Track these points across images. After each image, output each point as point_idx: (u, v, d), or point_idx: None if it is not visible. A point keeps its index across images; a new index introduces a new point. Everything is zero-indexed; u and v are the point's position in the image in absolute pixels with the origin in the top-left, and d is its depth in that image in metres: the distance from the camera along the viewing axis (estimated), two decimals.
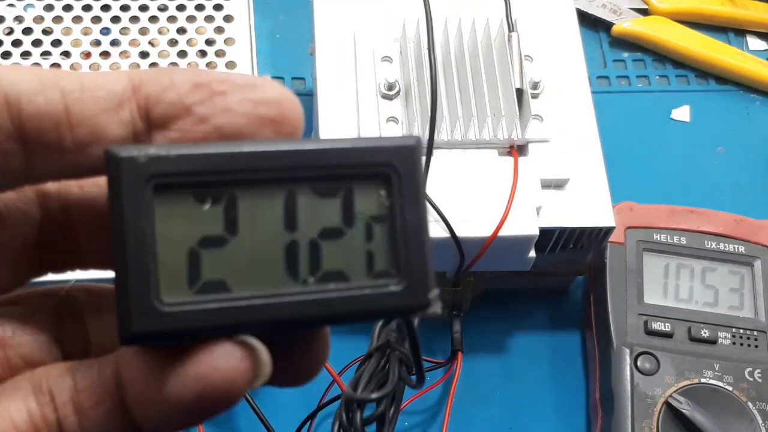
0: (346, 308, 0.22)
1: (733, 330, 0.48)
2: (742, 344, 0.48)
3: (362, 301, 0.21)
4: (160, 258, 0.20)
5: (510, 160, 0.46)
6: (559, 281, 0.53)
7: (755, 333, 0.48)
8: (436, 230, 0.44)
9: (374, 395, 0.31)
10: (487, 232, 0.44)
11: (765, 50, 0.66)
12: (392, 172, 0.22)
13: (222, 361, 0.20)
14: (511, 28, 0.49)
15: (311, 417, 0.46)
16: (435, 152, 0.46)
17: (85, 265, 0.25)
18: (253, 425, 0.45)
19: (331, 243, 0.21)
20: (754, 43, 0.67)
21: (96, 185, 0.24)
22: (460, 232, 0.44)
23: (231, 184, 0.21)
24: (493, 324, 0.52)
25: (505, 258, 0.46)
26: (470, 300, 0.49)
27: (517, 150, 0.47)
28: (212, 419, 0.21)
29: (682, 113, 0.62)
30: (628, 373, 0.46)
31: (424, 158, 0.20)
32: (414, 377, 0.35)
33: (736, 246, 0.51)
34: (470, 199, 0.45)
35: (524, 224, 0.45)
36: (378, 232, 0.22)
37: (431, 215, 0.44)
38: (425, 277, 0.22)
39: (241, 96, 0.21)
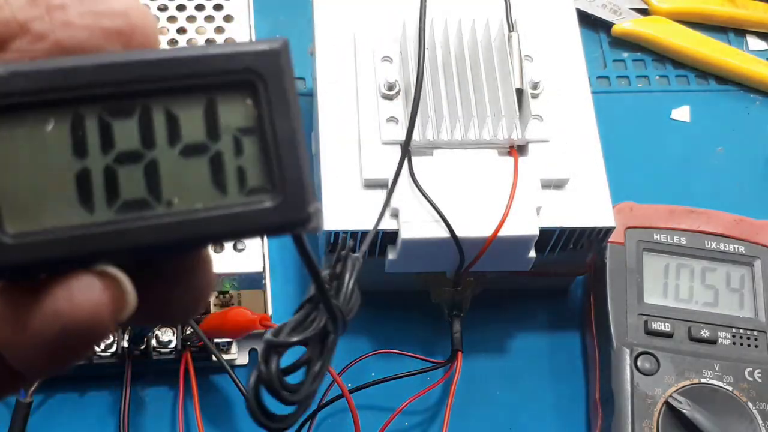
0: (215, 228, 0.20)
1: (733, 330, 0.48)
2: (742, 344, 0.48)
3: (234, 220, 0.20)
4: (1, 186, 0.19)
5: (510, 160, 0.46)
6: (559, 281, 0.53)
7: (755, 333, 0.48)
8: (436, 230, 0.44)
9: (294, 338, 0.31)
10: (487, 232, 0.44)
11: (765, 50, 0.66)
12: (257, 79, 0.20)
13: (80, 294, 0.19)
14: (511, 28, 0.49)
15: (311, 417, 0.46)
16: (435, 152, 0.46)
17: None
18: (253, 425, 0.45)
19: (195, 160, 0.20)
20: (754, 43, 0.67)
21: None
22: (460, 232, 0.44)
23: (75, 102, 0.19)
24: (493, 324, 0.52)
25: (505, 258, 0.46)
26: (470, 300, 0.49)
27: (517, 150, 0.47)
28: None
29: (682, 113, 0.62)
30: (628, 373, 0.46)
31: (292, 64, 0.19)
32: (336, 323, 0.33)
33: (736, 246, 0.51)
34: (470, 199, 0.45)
35: (524, 224, 0.45)
36: (247, 145, 0.20)
37: (431, 215, 0.44)
38: (303, 191, 0.20)
39: (81, 8, 0.19)
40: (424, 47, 0.46)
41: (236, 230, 0.20)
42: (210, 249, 0.22)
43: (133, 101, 0.20)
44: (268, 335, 0.30)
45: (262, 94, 0.20)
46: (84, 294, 0.19)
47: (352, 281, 0.33)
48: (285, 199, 0.20)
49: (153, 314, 0.21)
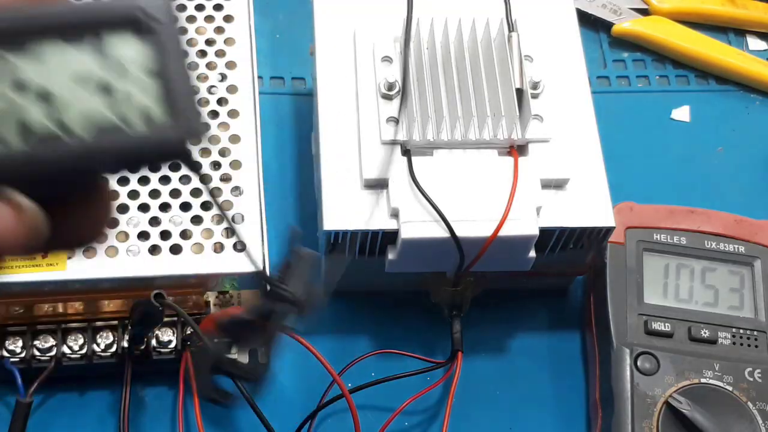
0: (115, 154, 0.23)
1: (733, 330, 0.48)
2: (742, 344, 0.48)
3: (131, 145, 0.23)
4: None
5: (510, 160, 0.46)
6: (559, 281, 0.53)
7: (755, 333, 0.48)
8: (436, 230, 0.44)
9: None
10: (487, 232, 0.44)
11: (765, 50, 0.66)
12: (148, 21, 0.23)
13: None
14: (511, 28, 0.49)
15: (311, 417, 0.46)
16: (435, 152, 0.46)
17: None
18: (253, 425, 0.45)
19: (96, 95, 0.23)
20: (754, 43, 0.67)
21: None
22: (460, 232, 0.44)
23: None
24: (493, 324, 0.52)
25: (505, 258, 0.46)
26: (470, 300, 0.49)
27: (517, 150, 0.47)
28: None
29: (682, 113, 0.62)
30: (628, 373, 0.46)
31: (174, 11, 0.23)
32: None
33: (736, 246, 0.51)
34: (470, 199, 0.45)
35: (524, 224, 0.45)
36: (146, 81, 0.23)
37: (431, 215, 0.44)
38: (195, 116, 0.23)
39: None
40: (410, 38, 0.46)
41: (132, 154, 0.23)
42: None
43: (32, 39, 0.22)
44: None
45: (154, 35, 0.23)
46: None
47: (299, 273, 0.33)
48: (176, 123, 0.23)
49: (61, 240, 0.24)
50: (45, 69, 0.22)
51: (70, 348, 0.44)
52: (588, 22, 0.65)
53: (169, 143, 0.23)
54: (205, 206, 0.44)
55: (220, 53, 0.48)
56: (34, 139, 0.22)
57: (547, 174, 0.46)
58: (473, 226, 0.44)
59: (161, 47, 0.23)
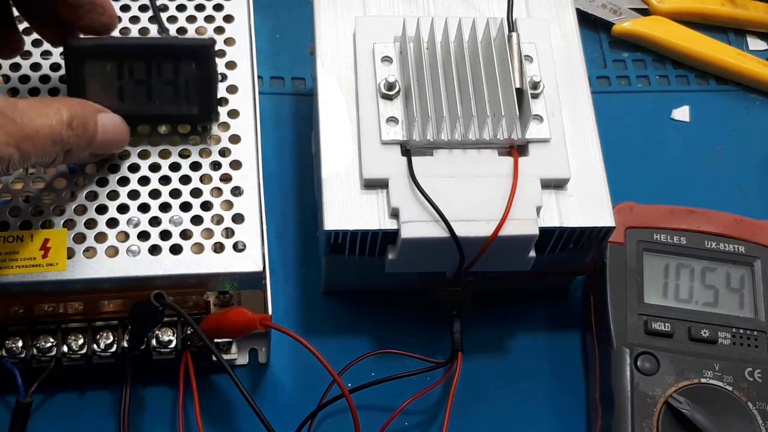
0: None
1: (733, 330, 0.48)
2: (742, 344, 0.48)
3: (178, 111, 0.45)
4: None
5: (510, 160, 0.46)
6: (559, 281, 0.53)
7: (755, 333, 0.48)
8: (436, 230, 0.44)
9: None
10: (487, 232, 0.44)
11: (765, 50, 0.66)
12: (198, 53, 0.44)
13: None
14: (511, 28, 0.49)
15: (311, 417, 0.46)
16: (435, 152, 0.46)
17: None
18: (253, 425, 0.45)
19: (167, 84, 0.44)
20: (754, 43, 0.67)
21: None
22: (460, 232, 0.44)
23: (120, 56, 0.44)
24: (493, 324, 0.52)
25: (505, 258, 0.46)
26: (470, 300, 0.49)
27: (517, 150, 0.47)
28: None
29: (682, 113, 0.62)
30: (628, 373, 0.46)
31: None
32: None
33: (736, 246, 0.51)
34: (470, 199, 0.45)
35: (524, 224, 0.45)
36: (191, 81, 0.44)
37: (431, 215, 0.44)
38: (212, 106, 0.46)
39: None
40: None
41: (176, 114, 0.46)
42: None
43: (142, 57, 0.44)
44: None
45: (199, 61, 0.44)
46: None
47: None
48: (201, 107, 0.45)
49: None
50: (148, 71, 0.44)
51: (70, 348, 0.44)
52: (588, 22, 0.65)
53: (190, 116, 0.46)
54: (205, 206, 0.44)
55: (220, 53, 0.48)
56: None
57: (547, 174, 0.46)
58: (473, 226, 0.44)
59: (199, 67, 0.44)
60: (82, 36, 0.43)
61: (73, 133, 0.39)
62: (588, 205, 0.47)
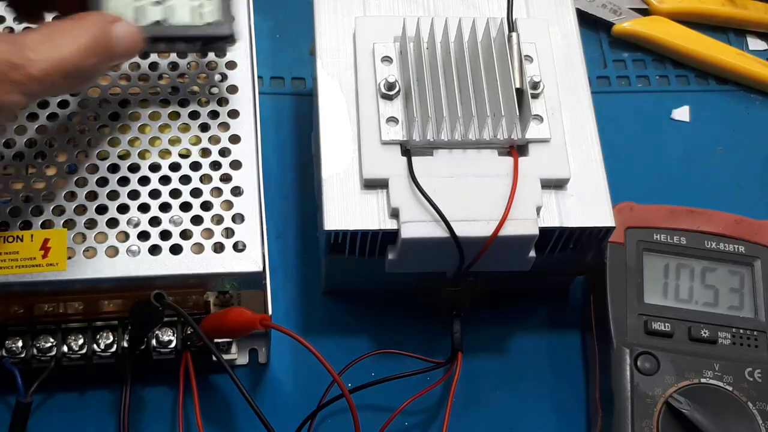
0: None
1: (733, 330, 0.48)
2: (742, 344, 0.48)
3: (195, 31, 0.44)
4: None
5: (510, 160, 0.46)
6: (559, 281, 0.53)
7: (755, 333, 0.48)
8: (436, 230, 0.44)
9: None
10: (487, 232, 0.44)
11: (765, 50, 0.66)
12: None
13: None
14: (511, 28, 0.49)
15: (311, 417, 0.46)
16: (435, 152, 0.46)
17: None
18: (253, 425, 0.45)
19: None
20: (754, 43, 0.67)
21: None
22: (460, 232, 0.44)
23: None
24: (493, 324, 0.52)
25: (505, 258, 0.46)
26: (470, 300, 0.49)
27: (517, 150, 0.47)
28: None
29: (682, 113, 0.62)
30: (628, 373, 0.46)
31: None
32: None
33: (736, 246, 0.51)
34: (470, 199, 0.45)
35: (524, 224, 0.45)
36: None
37: (431, 215, 0.44)
38: (231, 24, 0.44)
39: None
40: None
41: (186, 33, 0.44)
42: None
43: None
44: None
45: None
46: None
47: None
48: (222, 27, 0.44)
49: None
50: None
51: (70, 348, 0.44)
52: (588, 22, 0.65)
53: (211, 35, 0.44)
54: (205, 206, 0.44)
55: (220, 53, 0.48)
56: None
57: (547, 174, 0.46)
58: (473, 226, 0.44)
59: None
60: None
61: (91, 61, 0.37)
62: (588, 205, 0.47)
